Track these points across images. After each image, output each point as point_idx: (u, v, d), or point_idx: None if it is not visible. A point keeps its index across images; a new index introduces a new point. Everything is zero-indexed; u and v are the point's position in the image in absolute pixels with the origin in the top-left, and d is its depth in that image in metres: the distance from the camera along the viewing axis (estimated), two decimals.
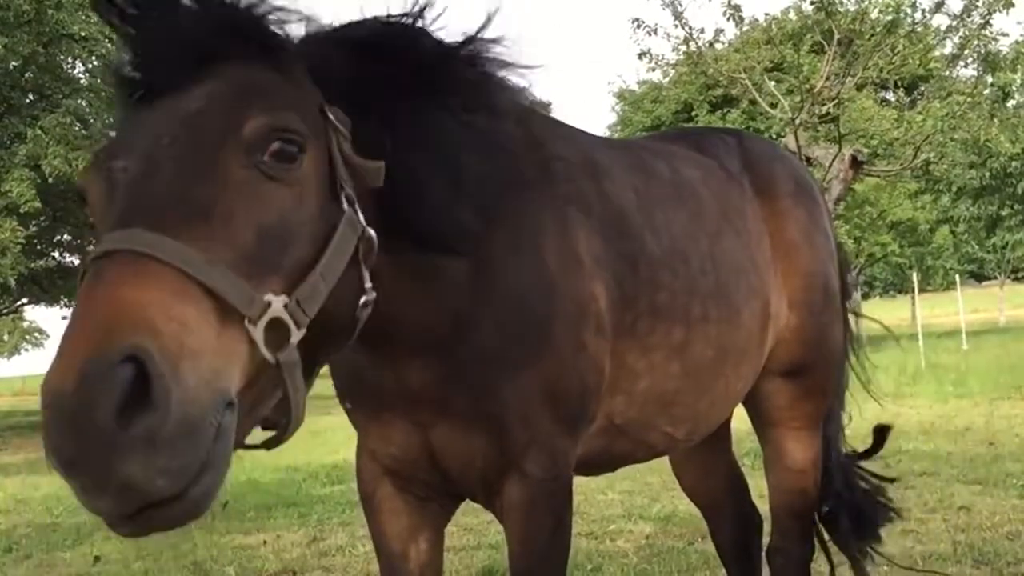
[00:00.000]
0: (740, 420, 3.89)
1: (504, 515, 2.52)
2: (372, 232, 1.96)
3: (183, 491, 1.43)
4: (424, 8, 2.17)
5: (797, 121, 17.95)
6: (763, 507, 4.03)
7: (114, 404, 1.36)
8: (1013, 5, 18.13)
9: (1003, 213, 39.83)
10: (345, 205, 1.92)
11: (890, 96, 26.21)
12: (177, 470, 1.41)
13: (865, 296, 55.61)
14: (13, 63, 24.73)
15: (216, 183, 1.71)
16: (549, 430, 2.45)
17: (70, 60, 27.06)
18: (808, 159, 18.22)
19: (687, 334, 2.89)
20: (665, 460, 3.88)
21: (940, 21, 19.47)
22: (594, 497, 8.04)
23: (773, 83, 20.34)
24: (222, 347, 1.57)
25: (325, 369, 2.75)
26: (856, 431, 4.51)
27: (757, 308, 3.20)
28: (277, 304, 1.68)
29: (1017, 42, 20.24)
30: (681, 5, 18.54)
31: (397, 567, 2.68)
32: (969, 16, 18.71)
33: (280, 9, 1.96)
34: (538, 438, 2.43)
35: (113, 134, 1.89)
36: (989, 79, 20.52)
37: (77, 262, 29.57)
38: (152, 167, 1.68)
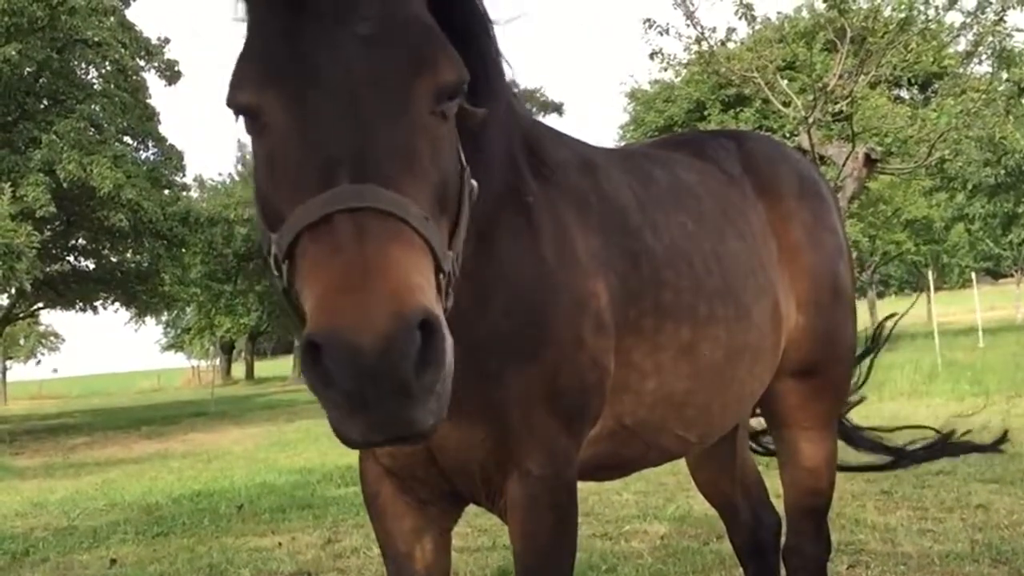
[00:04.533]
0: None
1: (507, 514, 2.51)
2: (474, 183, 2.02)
3: None
4: None
5: (810, 120, 17.85)
6: (779, 506, 4.02)
7: (416, 362, 1.46)
8: None
9: (1019, 210, 39.52)
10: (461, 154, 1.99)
11: (904, 94, 26.10)
12: (439, 409, 1.54)
13: (880, 295, 55.35)
14: (27, 69, 24.88)
15: (412, 128, 1.71)
16: (548, 426, 2.44)
17: (84, 65, 27.23)
18: (821, 157, 18.14)
19: (695, 334, 2.88)
20: (680, 460, 3.87)
21: (954, 18, 19.36)
22: (609, 497, 8.02)
23: (786, 82, 20.21)
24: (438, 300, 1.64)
25: None
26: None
27: (767, 308, 3.19)
28: (451, 260, 1.76)
29: None
30: (693, 5, 18.46)
31: (404, 567, 2.68)
32: (983, 12, 18.58)
33: None
34: (537, 434, 2.42)
35: (268, 33, 1.74)
36: (1004, 75, 20.36)
37: (92, 266, 29.75)
38: (352, 106, 1.65)
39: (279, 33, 1.71)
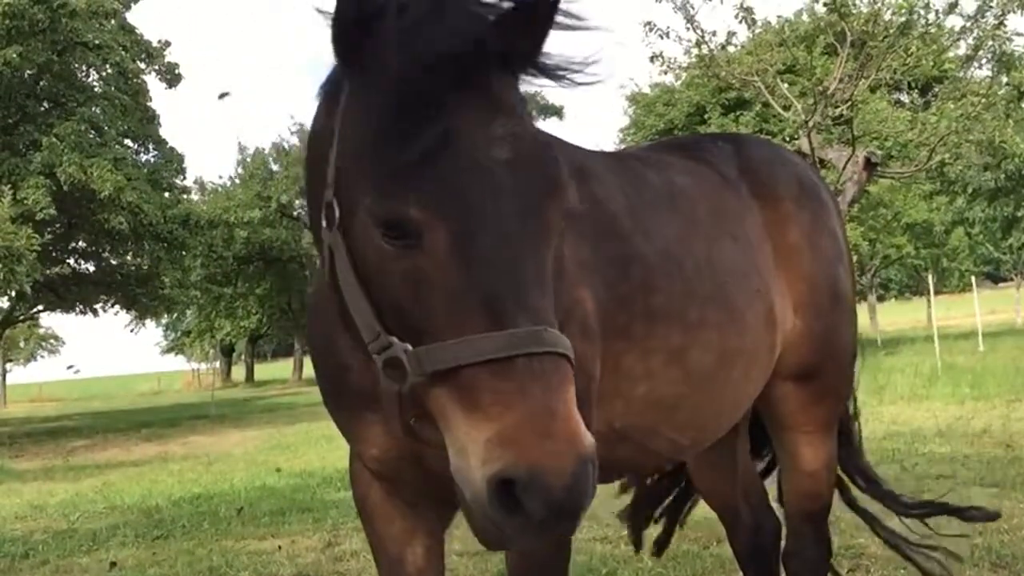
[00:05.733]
0: None
1: None
2: None
3: None
4: None
5: (810, 123, 17.88)
6: (779, 510, 4.02)
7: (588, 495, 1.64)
8: None
9: (1019, 214, 39.54)
10: None
11: (904, 97, 26.08)
12: None
13: (880, 298, 55.36)
14: (28, 71, 24.92)
15: (550, 255, 1.81)
16: None
17: (84, 68, 27.25)
18: (822, 161, 18.16)
19: (685, 338, 2.88)
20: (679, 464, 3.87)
21: (954, 22, 19.38)
22: (608, 500, 8.01)
23: (786, 85, 20.23)
24: None
25: None
26: (873, 433, 4.48)
27: (761, 311, 3.18)
28: None
29: None
30: (693, 8, 18.49)
31: (395, 571, 2.69)
32: (983, 16, 18.60)
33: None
34: None
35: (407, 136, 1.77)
36: (1004, 79, 20.37)
37: (92, 269, 29.76)
38: (509, 237, 1.73)
39: (423, 146, 1.74)
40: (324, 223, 1.93)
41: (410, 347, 1.73)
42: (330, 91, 2.06)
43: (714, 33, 19.31)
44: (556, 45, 1.99)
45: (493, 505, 1.61)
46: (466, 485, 1.65)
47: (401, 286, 1.77)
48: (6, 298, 27.32)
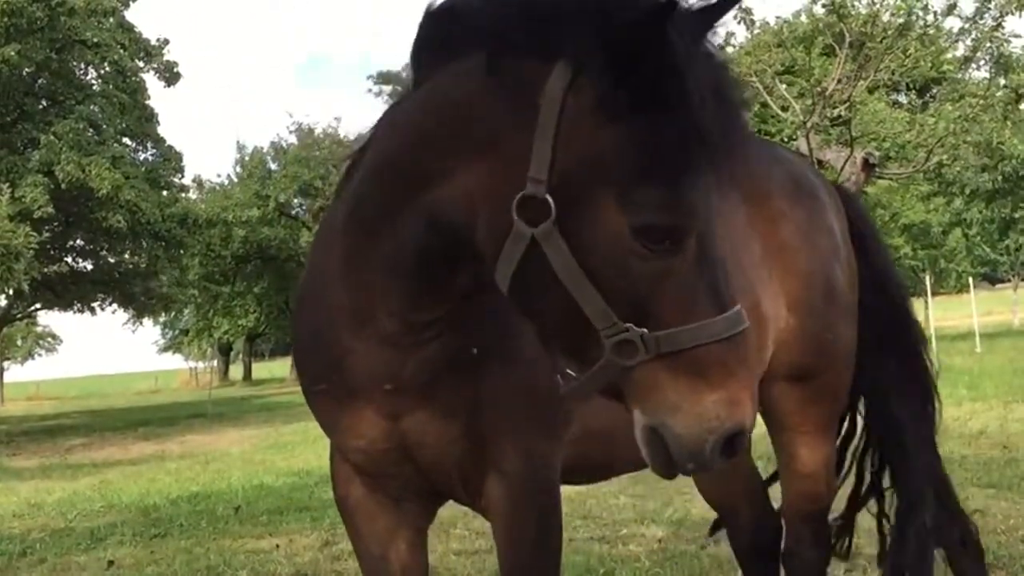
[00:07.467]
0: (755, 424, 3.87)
1: (488, 515, 2.54)
2: None
3: None
4: None
5: (809, 124, 17.92)
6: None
7: None
8: None
9: (1016, 215, 39.55)
10: None
11: (902, 98, 26.14)
12: None
13: None
14: (27, 69, 24.89)
15: None
16: (524, 426, 2.45)
17: (83, 66, 27.25)
18: (820, 162, 18.18)
19: None
20: None
21: (952, 23, 19.41)
22: (606, 501, 8.02)
23: (784, 86, 20.28)
24: None
25: None
26: None
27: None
28: None
29: None
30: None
31: (378, 569, 2.69)
32: (981, 18, 18.63)
33: None
34: (513, 434, 2.43)
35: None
36: (1002, 81, 20.37)
37: (90, 267, 29.76)
38: (717, 236, 2.07)
39: (699, 169, 1.97)
40: (515, 214, 1.96)
41: (647, 331, 1.91)
42: (507, 82, 1.99)
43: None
44: None
45: (715, 453, 1.91)
46: (676, 438, 1.92)
47: (643, 282, 1.94)
48: (4, 296, 27.29)
